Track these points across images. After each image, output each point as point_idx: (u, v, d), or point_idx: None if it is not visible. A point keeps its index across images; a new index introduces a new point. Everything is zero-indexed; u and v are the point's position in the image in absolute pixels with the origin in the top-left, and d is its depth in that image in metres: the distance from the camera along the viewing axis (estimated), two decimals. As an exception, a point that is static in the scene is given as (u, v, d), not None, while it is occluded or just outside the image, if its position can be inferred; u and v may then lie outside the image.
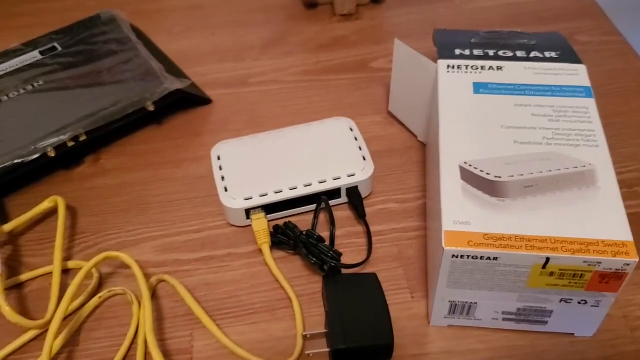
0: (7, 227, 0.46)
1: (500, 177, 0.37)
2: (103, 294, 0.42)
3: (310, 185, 0.45)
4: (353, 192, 0.46)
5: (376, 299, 0.38)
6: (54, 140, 0.48)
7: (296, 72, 0.60)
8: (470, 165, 0.38)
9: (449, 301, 0.37)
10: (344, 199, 0.47)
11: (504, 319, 0.38)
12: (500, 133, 0.40)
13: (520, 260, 0.34)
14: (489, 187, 0.37)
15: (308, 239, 0.42)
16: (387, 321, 0.37)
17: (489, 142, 0.39)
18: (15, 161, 0.46)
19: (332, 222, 0.44)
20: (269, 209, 0.45)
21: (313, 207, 0.47)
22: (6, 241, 0.47)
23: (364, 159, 0.47)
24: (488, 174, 0.37)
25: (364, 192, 0.47)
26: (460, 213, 0.35)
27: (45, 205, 0.47)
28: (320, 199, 0.45)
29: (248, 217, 0.45)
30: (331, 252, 0.41)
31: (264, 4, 0.70)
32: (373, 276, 0.40)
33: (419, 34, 0.63)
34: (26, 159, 0.47)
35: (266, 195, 0.45)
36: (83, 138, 0.49)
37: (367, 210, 0.46)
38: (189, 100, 0.55)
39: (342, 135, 0.48)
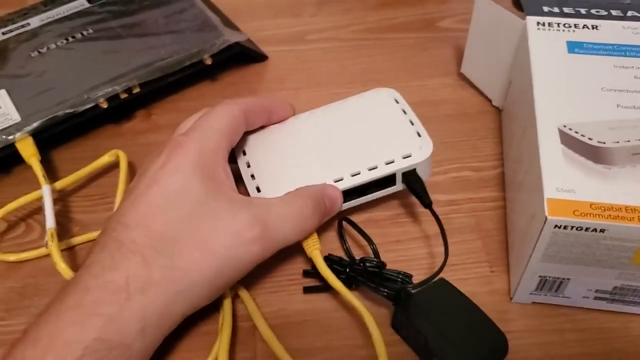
0: (64, 182, 0.43)
1: (604, 143, 0.34)
2: None
3: (358, 174, 0.37)
4: (412, 177, 0.38)
5: (464, 304, 0.34)
6: (107, 90, 0.45)
7: (357, 30, 0.56)
8: (570, 129, 0.34)
9: (539, 276, 0.34)
10: (399, 185, 0.39)
11: (595, 298, 0.35)
12: (601, 96, 0.36)
13: (630, 234, 0.31)
14: (592, 153, 0.33)
15: (366, 269, 0.36)
16: (490, 323, 0.33)
17: (589, 105, 0.36)
18: (67, 111, 0.43)
19: (366, 238, 0.38)
20: None
21: (362, 200, 0.39)
22: (57, 197, 0.44)
23: (419, 135, 0.39)
24: (590, 138, 0.34)
25: (423, 175, 0.39)
26: (563, 180, 0.32)
27: (105, 159, 0.44)
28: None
29: None
30: (401, 276, 0.36)
31: (319, -42, 0.66)
32: (443, 282, 0.35)
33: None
34: (78, 109, 0.44)
35: None
36: (136, 90, 0.46)
37: (439, 178, 0.43)
38: (245, 56, 0.52)
39: (387, 109, 0.40)
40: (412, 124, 0.39)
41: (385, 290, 0.35)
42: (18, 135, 0.42)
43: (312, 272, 0.38)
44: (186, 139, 0.34)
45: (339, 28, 0.57)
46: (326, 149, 0.39)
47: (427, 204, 0.38)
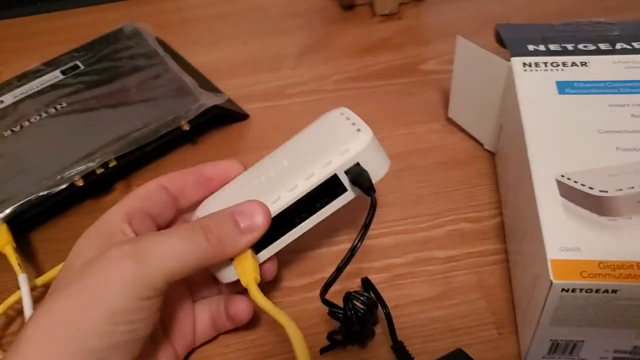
0: (46, 277, 0.40)
1: (606, 192, 0.31)
2: None
3: (295, 187, 0.33)
4: (357, 174, 0.33)
5: None
6: (82, 167, 0.43)
7: (338, 80, 0.55)
8: (569, 179, 0.32)
9: (551, 340, 0.32)
10: (350, 193, 0.34)
11: (614, 358, 0.33)
12: (598, 139, 0.34)
13: (645, 293, 0.28)
14: (595, 204, 0.31)
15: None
16: None
17: (586, 151, 0.34)
18: (41, 193, 0.41)
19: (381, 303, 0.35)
20: (257, 245, 0.33)
21: (317, 219, 0.34)
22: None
23: (358, 130, 0.33)
24: (591, 187, 0.32)
25: (375, 170, 0.33)
26: (566, 237, 0.30)
27: None
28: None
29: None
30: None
31: (297, 8, 0.64)
32: (459, 353, 0.32)
33: (470, 31, 0.57)
34: (53, 190, 0.42)
35: None
36: (113, 164, 0.44)
37: (435, 232, 0.41)
38: (225, 116, 0.50)
39: (330, 123, 0.36)
40: (354, 124, 0.34)
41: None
42: (-10, 223, 0.40)
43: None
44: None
45: (319, 79, 0.55)
46: (267, 177, 0.35)
47: (369, 189, 0.32)
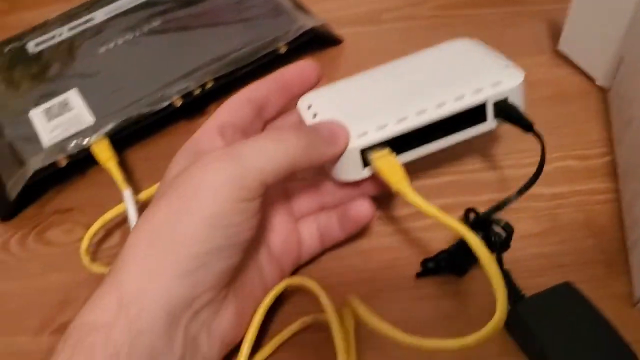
0: (148, 192, 0.41)
1: None
2: (306, 319, 0.34)
3: (443, 104, 0.32)
4: (504, 106, 0.34)
5: (590, 314, 0.30)
6: (181, 87, 0.43)
7: (435, 6, 0.52)
8: None
9: (670, 282, 0.31)
10: (491, 122, 0.34)
11: None
12: None
13: None
14: None
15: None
16: (620, 340, 0.29)
17: None
18: (142, 111, 0.42)
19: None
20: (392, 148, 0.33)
21: (448, 142, 0.34)
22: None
23: (507, 66, 0.34)
24: None
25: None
26: None
27: None
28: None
29: (366, 165, 0.33)
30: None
31: None
32: (567, 287, 0.32)
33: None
34: (153, 108, 0.42)
35: (386, 125, 0.32)
36: (209, 85, 0.44)
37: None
38: (318, 40, 0.49)
39: (467, 50, 0.37)
40: (497, 57, 0.35)
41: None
42: (93, 137, 0.40)
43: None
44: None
45: (416, 4, 0.53)
46: (405, 89, 0.34)
47: (528, 126, 0.34)
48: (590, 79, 0.44)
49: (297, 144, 0.30)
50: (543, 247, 0.36)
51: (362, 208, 0.35)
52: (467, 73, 0.34)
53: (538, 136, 0.33)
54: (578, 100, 0.43)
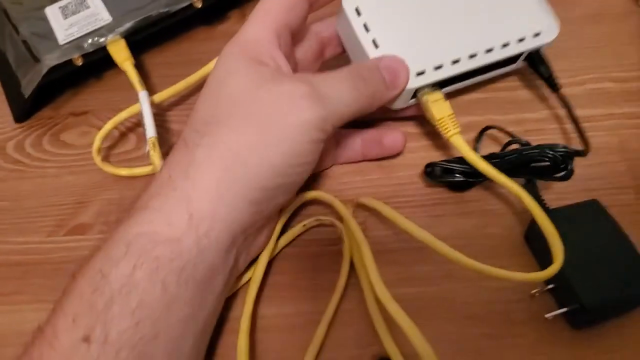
0: (162, 95, 0.40)
1: None
2: (309, 222, 0.35)
3: (491, 50, 0.34)
4: (537, 59, 0.36)
5: (613, 233, 0.30)
6: (201, -13, 0.41)
7: None
8: None
9: None
10: (519, 64, 0.37)
11: None
12: None
13: None
14: None
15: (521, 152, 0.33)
16: (636, 255, 0.29)
17: None
18: (161, 10, 0.40)
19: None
20: (437, 85, 0.35)
21: (479, 79, 0.36)
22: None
23: (547, 13, 0.36)
24: None
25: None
26: None
27: (203, 71, 0.39)
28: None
29: (414, 96, 0.35)
30: (561, 148, 0.32)
31: None
32: (594, 204, 0.31)
33: None
34: (172, 9, 0.40)
35: (441, 66, 0.33)
36: (231, -13, 0.42)
37: (575, 89, 0.38)
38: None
39: None
40: (539, 1, 0.36)
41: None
42: (110, 37, 0.39)
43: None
44: (239, 30, 0.31)
45: None
46: (451, 20, 0.34)
47: (557, 89, 0.36)
48: (634, -2, 0.41)
49: (366, 92, 0.31)
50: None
51: (396, 138, 0.36)
52: (511, 14, 0.35)
53: (564, 100, 0.35)
54: (620, 20, 0.41)
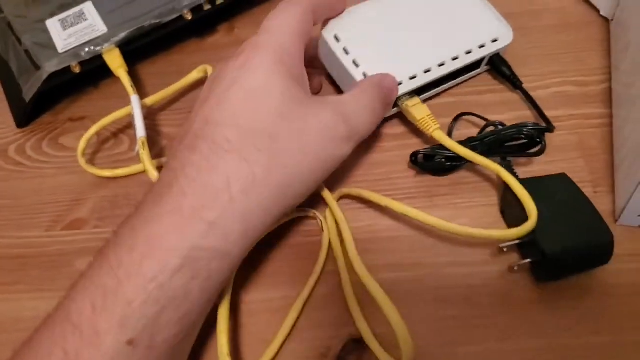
0: (154, 98, 0.43)
1: None
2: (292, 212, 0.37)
3: (457, 58, 0.38)
4: (498, 61, 0.40)
5: (578, 200, 0.33)
6: (192, 0, 0.44)
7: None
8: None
9: (650, 198, 0.32)
10: (482, 69, 0.41)
11: None
12: None
13: None
14: None
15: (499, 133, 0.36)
16: (599, 219, 0.32)
17: None
18: (152, 21, 0.43)
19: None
20: (414, 92, 0.39)
21: (447, 86, 0.41)
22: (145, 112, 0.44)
23: (499, 20, 0.40)
24: None
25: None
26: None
27: (194, 75, 0.43)
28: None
29: (394, 106, 0.39)
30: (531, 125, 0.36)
31: None
32: (564, 177, 0.34)
33: None
34: (163, 20, 0.43)
35: (415, 77, 0.38)
36: (220, 1, 0.45)
37: (540, 93, 0.40)
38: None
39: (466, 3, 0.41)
40: (490, 10, 0.40)
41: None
42: (106, 46, 0.42)
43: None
44: (263, 39, 0.32)
45: None
46: (418, 33, 0.39)
47: (518, 84, 0.40)
48: (595, 9, 0.44)
49: (381, 115, 0.36)
50: (533, 166, 0.37)
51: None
52: (471, 26, 0.40)
53: (527, 94, 0.40)
54: (581, 29, 0.44)
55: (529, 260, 0.32)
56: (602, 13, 0.44)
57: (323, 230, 0.36)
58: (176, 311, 0.26)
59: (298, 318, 0.33)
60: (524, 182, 0.34)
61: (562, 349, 0.31)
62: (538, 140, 0.35)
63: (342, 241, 0.35)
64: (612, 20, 0.43)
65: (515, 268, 0.33)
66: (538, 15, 0.45)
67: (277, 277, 0.35)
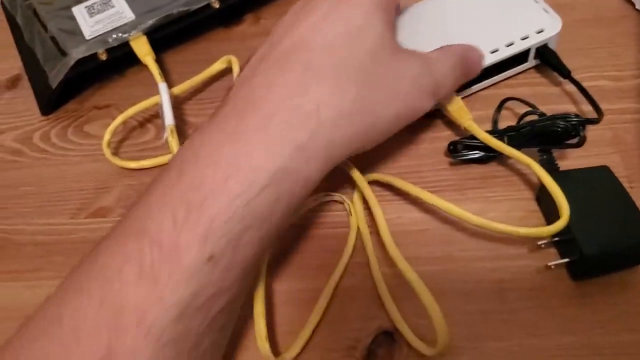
0: (181, 88, 0.43)
1: None
2: (318, 195, 0.37)
3: (497, 50, 0.38)
4: (545, 51, 0.39)
5: (618, 194, 0.32)
6: (219, -11, 0.43)
7: None
8: None
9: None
10: (531, 62, 0.40)
11: None
12: None
13: None
14: None
15: (534, 124, 0.35)
16: (638, 215, 0.31)
17: None
18: (180, 9, 0.42)
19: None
20: None
21: (495, 80, 0.40)
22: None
23: (546, 11, 0.39)
24: None
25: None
26: None
27: (218, 66, 0.43)
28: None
29: None
30: (573, 116, 0.35)
31: None
32: (605, 170, 0.33)
33: None
34: (191, 8, 0.43)
35: None
36: (247, -10, 0.44)
37: (573, 87, 0.39)
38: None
39: None
40: (536, 1, 0.40)
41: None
42: (133, 33, 0.41)
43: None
44: None
45: None
46: (457, 29, 0.39)
47: (567, 74, 0.38)
48: (630, 2, 0.43)
49: (459, 80, 0.35)
50: (569, 161, 0.36)
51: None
52: (514, 16, 0.39)
53: (576, 82, 0.38)
54: (616, 23, 0.43)
55: (566, 259, 0.31)
56: (637, 7, 0.43)
57: (351, 214, 0.35)
58: (258, 230, 0.25)
59: (326, 309, 0.33)
60: (563, 174, 0.33)
61: (595, 347, 0.30)
62: (573, 133, 0.34)
63: (372, 226, 0.35)
64: (650, 14, 0.42)
65: (553, 267, 0.32)
66: (571, 9, 0.44)
67: (304, 269, 0.35)
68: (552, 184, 0.32)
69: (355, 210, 0.35)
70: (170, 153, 0.37)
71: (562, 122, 0.34)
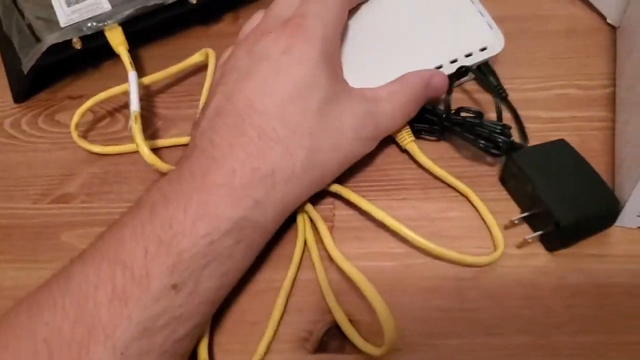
0: (153, 77, 0.43)
1: None
2: None
3: (440, 67, 0.37)
4: (485, 69, 0.39)
5: (580, 165, 0.33)
6: (198, -16, 0.44)
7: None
8: None
9: (650, 196, 0.31)
10: (470, 77, 0.40)
11: None
12: None
13: None
14: None
15: (465, 119, 0.36)
16: (602, 183, 0.32)
17: None
18: (156, 1, 0.42)
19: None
20: None
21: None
22: (143, 92, 0.44)
23: (490, 27, 0.38)
24: None
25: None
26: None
27: (196, 58, 0.43)
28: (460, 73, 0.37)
29: None
30: (500, 127, 0.35)
31: None
32: (562, 142, 0.34)
33: None
34: (167, 1, 0.43)
35: None
36: (227, -14, 0.45)
37: (542, 94, 0.40)
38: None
39: (458, 6, 0.39)
40: (482, 15, 0.39)
41: (482, 141, 0.35)
42: (108, 22, 0.41)
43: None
44: (309, 24, 0.33)
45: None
46: (404, 39, 0.38)
47: (503, 96, 0.39)
48: (602, 16, 0.44)
49: (410, 115, 0.36)
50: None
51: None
52: (459, 30, 0.38)
53: (509, 104, 0.39)
54: (588, 36, 0.43)
55: (541, 232, 0.32)
56: (608, 21, 0.43)
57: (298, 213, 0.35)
58: (219, 267, 0.28)
59: (286, 302, 0.32)
60: (524, 150, 0.34)
61: (552, 347, 0.30)
62: (499, 148, 0.35)
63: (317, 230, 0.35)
64: (619, 27, 0.42)
65: (530, 240, 0.33)
66: (545, 20, 0.44)
67: (261, 261, 0.34)
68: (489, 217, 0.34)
69: (304, 218, 0.35)
70: (132, 141, 0.37)
71: (485, 132, 0.35)
